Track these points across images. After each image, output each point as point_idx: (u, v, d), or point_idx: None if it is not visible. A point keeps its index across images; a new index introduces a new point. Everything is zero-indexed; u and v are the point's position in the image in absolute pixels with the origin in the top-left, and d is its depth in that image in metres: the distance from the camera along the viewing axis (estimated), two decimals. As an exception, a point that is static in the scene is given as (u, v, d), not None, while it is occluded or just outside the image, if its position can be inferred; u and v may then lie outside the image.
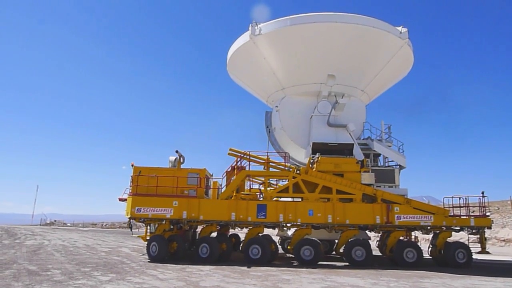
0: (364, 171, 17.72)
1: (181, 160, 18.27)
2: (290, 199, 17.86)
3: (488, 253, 16.95)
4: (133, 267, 13.61)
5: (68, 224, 67.47)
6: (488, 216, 16.87)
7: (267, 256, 15.93)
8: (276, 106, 21.63)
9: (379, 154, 20.00)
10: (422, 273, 13.54)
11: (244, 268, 13.94)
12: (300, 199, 17.38)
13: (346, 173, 17.49)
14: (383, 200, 16.76)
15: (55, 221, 72.16)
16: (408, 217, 16.39)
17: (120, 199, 18.40)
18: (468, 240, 17.19)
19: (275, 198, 17.76)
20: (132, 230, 19.68)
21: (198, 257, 16.03)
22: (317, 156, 18.09)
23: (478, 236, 16.93)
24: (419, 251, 15.98)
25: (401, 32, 19.45)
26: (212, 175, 19.00)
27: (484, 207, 16.86)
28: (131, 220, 17.70)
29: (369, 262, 15.73)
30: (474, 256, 16.26)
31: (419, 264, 15.64)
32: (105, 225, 59.36)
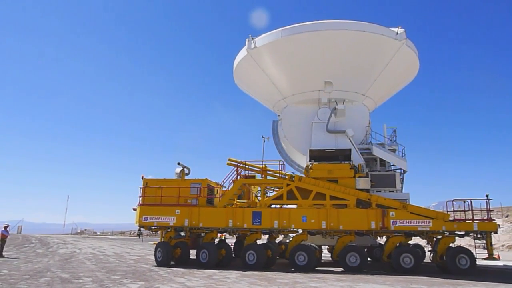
0: (359, 176, 17.67)
1: (187, 171, 19.33)
2: (292, 206, 18.11)
3: (495, 259, 16.02)
4: (161, 274, 13.82)
5: (98, 233, 69.43)
6: (494, 220, 16.03)
7: (262, 262, 16.39)
8: (279, 116, 22.22)
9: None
10: (454, 281, 12.98)
11: (271, 275, 13.97)
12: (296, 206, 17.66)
13: (340, 179, 17.60)
14: (379, 205, 16.56)
15: (85, 230, 74.37)
16: (404, 222, 16.08)
17: (134, 209, 19.55)
18: (475, 245, 16.40)
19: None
20: (142, 237, 22.20)
21: (199, 262, 16.96)
22: (310, 162, 18.36)
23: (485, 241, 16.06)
24: (417, 256, 15.66)
25: (397, 34, 19.18)
26: (219, 184, 19.81)
27: (490, 210, 16.09)
28: (140, 228, 19.01)
29: (363, 268, 15.66)
30: (484, 263, 15.57)
31: (417, 270, 15.26)
32: (133, 234, 60.58)
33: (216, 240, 18.39)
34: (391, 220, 16.09)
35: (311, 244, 16.99)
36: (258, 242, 17.96)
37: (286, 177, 18.23)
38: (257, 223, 17.12)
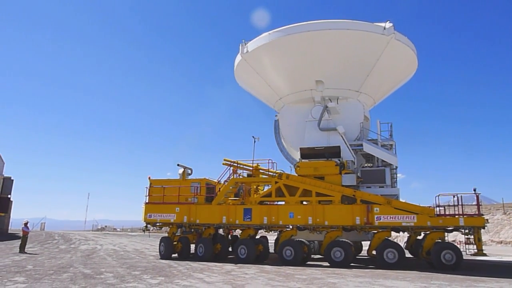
0: (346, 173, 18.06)
1: (189, 172, 20.83)
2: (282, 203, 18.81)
3: (485, 255, 15.73)
4: (181, 270, 14.10)
5: (118, 229, 70.59)
6: (483, 215, 15.83)
7: (252, 256, 17.40)
8: (276, 115, 23.00)
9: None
10: (477, 277, 12.80)
11: (290, 271, 14.13)
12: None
13: (326, 176, 18.13)
14: (364, 201, 16.85)
15: (105, 226, 75.81)
16: (388, 217, 16.26)
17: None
18: (465, 241, 16.15)
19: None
20: (148, 232, 23.83)
21: (197, 256, 18.43)
22: (299, 160, 19.13)
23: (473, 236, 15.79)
24: (401, 252, 15.79)
25: (385, 28, 19.15)
26: (221, 183, 20.82)
27: (479, 205, 15.90)
28: (147, 225, 20.66)
29: (348, 263, 16.05)
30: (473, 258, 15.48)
31: (401, 265, 15.38)
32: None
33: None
34: (375, 216, 16.37)
35: (301, 240, 17.64)
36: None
37: (276, 175, 18.95)
38: (247, 219, 18.09)
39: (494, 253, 25.40)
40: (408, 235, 18.77)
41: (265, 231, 20.15)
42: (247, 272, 13.62)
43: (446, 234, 16.48)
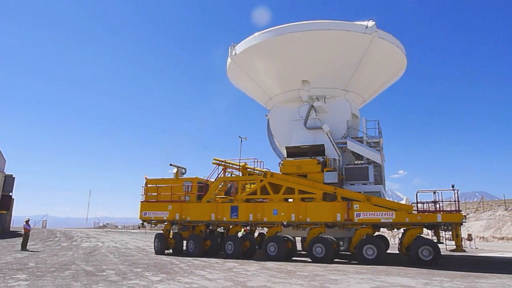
0: (327, 171, 18.65)
1: (183, 171, 21.92)
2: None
3: (464, 251, 16.13)
4: (182, 267, 14.29)
5: (119, 227, 70.84)
6: (461, 211, 16.20)
7: (238, 251, 18.36)
8: (266, 115, 23.67)
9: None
10: (478, 274, 12.99)
11: (291, 268, 14.31)
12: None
13: (309, 174, 18.79)
14: (344, 198, 17.40)
15: (107, 224, 76.15)
16: (368, 214, 16.76)
17: None
18: (445, 237, 16.73)
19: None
20: (144, 229, 24.68)
21: (188, 252, 19.51)
22: (282, 159, 19.94)
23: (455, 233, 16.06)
24: (380, 248, 16.23)
25: (367, 27, 19.49)
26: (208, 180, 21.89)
27: (458, 201, 16.24)
28: (143, 222, 21.94)
29: (328, 259, 16.62)
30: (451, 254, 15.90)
31: (379, 261, 15.80)
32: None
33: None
34: (355, 213, 16.90)
35: (286, 236, 18.46)
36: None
37: (262, 173, 19.67)
38: (234, 217, 18.99)
39: (496, 249, 25.50)
40: (403, 231, 18.93)
41: (250, 228, 20.76)
42: (249, 269, 13.90)
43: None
